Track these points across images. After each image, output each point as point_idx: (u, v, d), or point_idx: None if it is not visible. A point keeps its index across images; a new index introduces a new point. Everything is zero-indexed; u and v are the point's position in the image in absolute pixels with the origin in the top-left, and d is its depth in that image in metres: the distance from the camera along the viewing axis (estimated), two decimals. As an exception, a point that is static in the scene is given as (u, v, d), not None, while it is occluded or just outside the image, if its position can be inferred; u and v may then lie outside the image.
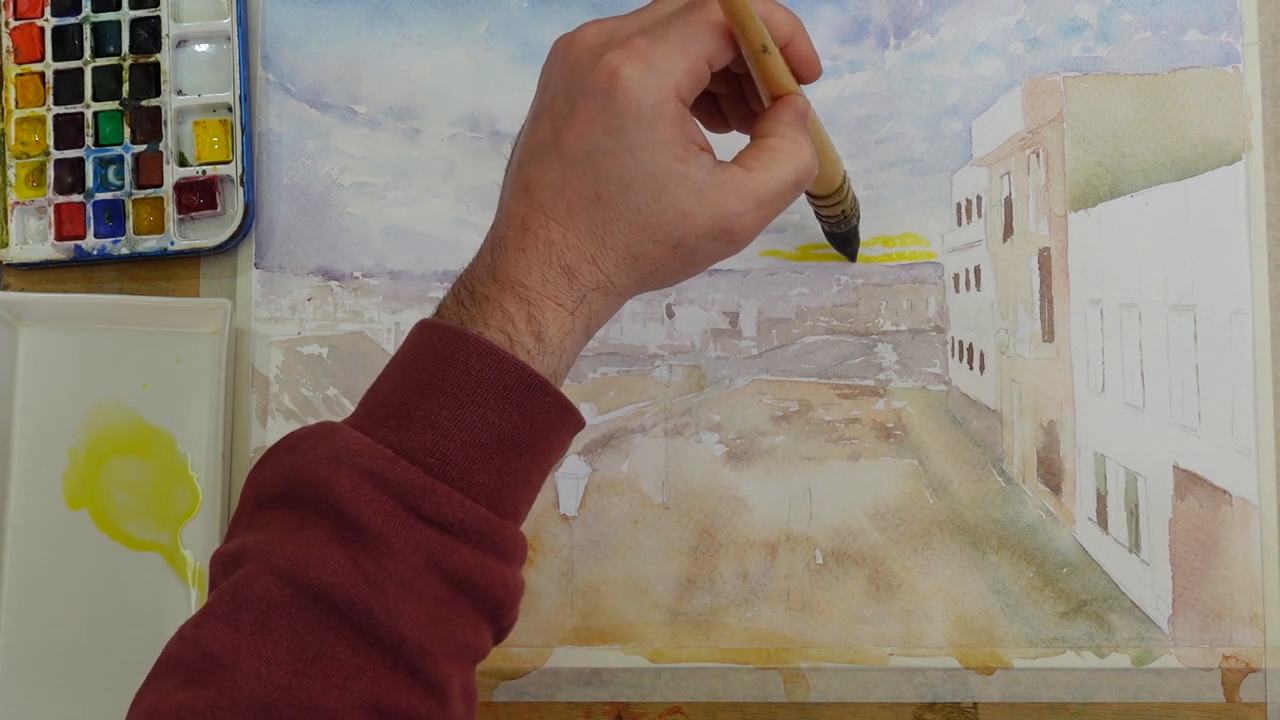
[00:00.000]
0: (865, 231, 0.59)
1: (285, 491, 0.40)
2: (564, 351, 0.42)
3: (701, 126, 0.45)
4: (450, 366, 0.40)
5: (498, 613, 0.41)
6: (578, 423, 0.43)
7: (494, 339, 0.41)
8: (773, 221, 0.44)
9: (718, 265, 0.59)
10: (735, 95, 0.47)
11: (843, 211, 0.54)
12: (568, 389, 0.59)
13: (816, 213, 0.55)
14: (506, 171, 0.44)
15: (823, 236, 0.58)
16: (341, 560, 0.38)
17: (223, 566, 0.40)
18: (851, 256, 0.59)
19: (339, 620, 0.38)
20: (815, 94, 0.59)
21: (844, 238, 0.57)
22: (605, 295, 0.42)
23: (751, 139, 0.45)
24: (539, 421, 0.41)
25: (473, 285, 0.42)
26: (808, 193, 0.52)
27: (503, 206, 0.43)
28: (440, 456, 0.40)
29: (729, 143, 0.47)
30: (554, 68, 0.43)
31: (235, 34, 0.61)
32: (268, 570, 0.38)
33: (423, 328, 0.42)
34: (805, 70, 0.45)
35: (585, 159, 0.41)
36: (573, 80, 0.42)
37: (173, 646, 0.39)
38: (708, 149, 0.43)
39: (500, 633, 0.43)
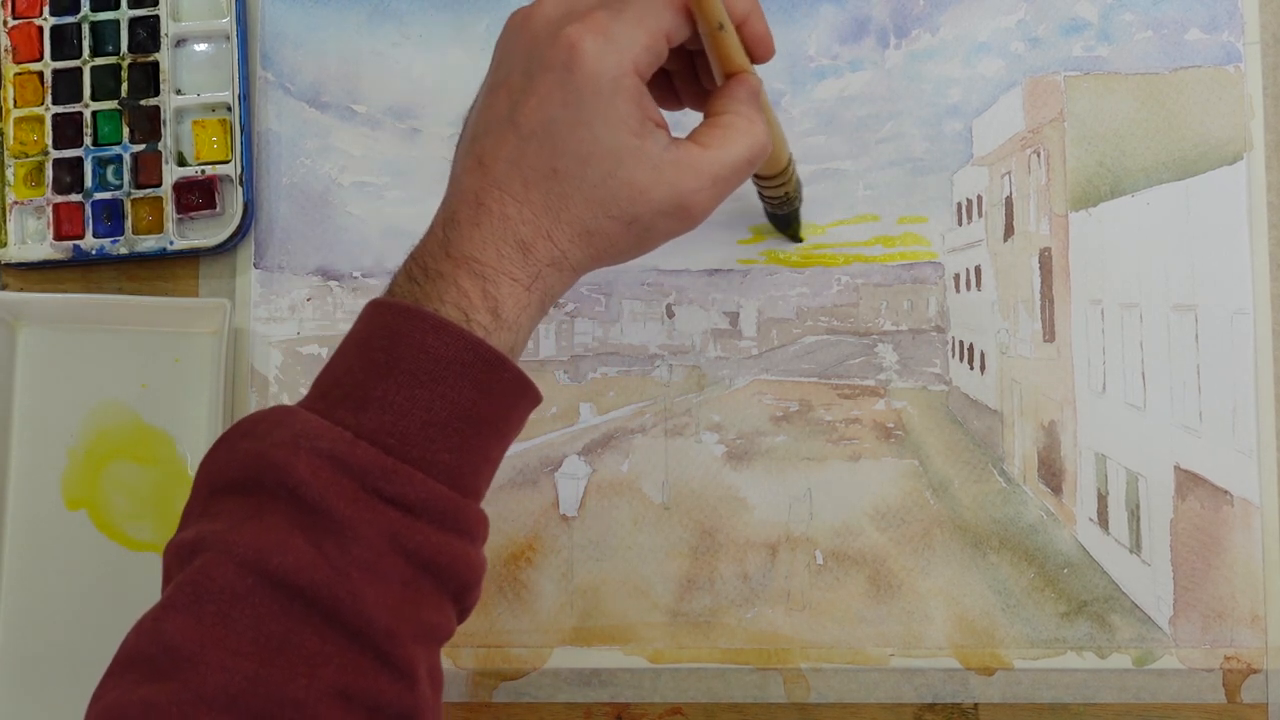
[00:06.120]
0: (866, 231, 0.59)
1: (242, 478, 0.39)
2: (520, 327, 0.42)
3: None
4: (406, 345, 0.40)
5: (462, 593, 0.41)
6: (535, 398, 0.42)
7: (450, 315, 0.40)
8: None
9: (717, 265, 0.60)
10: (688, 72, 0.47)
11: (786, 193, 0.54)
12: (567, 387, 0.59)
13: (760, 193, 0.55)
14: (458, 147, 0.44)
15: (821, 235, 0.58)
16: (304, 546, 0.37)
17: (178, 557, 0.40)
18: (794, 237, 0.59)
19: (304, 607, 0.37)
20: (816, 94, 0.60)
21: (786, 219, 0.58)
22: (560, 271, 0.42)
23: (706, 116, 0.45)
24: (498, 398, 0.41)
25: (425, 262, 0.42)
26: (754, 173, 0.52)
27: (455, 182, 0.43)
28: (400, 436, 0.39)
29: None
30: (510, 41, 0.43)
31: (234, 33, 0.61)
32: (228, 559, 0.38)
33: (376, 307, 0.42)
34: (759, 49, 0.45)
35: (542, 133, 0.41)
36: (531, 53, 0.42)
37: (131, 640, 0.38)
38: (663, 125, 0.43)
39: (463, 613, 0.42)
